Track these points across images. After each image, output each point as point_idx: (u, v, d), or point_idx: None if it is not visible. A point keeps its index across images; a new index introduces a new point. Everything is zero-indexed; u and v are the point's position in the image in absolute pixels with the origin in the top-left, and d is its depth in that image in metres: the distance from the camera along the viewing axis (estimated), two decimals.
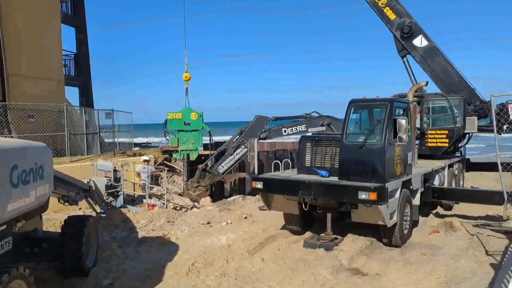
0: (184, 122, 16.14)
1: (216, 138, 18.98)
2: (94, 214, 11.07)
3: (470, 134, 13.74)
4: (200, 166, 15.32)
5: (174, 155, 16.62)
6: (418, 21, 14.17)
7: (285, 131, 14.60)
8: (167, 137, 16.84)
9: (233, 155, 14.84)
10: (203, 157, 16.89)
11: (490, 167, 13.95)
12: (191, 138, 16.08)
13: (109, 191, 11.94)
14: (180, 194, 14.88)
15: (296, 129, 14.53)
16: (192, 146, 16.20)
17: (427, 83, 12.89)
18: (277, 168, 15.96)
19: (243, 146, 14.78)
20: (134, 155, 16.65)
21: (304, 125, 14.53)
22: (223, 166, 14.77)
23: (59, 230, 7.27)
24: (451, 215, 11.25)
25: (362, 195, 7.89)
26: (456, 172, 13.08)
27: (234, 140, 15.20)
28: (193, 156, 16.31)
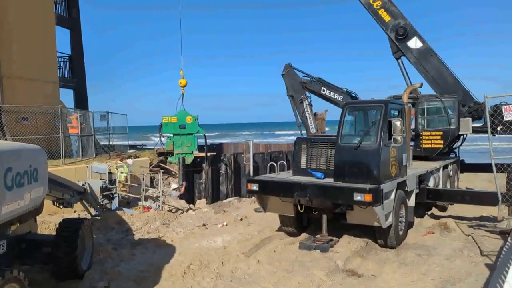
0: (180, 125, 16.13)
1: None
2: (89, 216, 11.02)
3: (465, 136, 13.83)
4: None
5: (169, 159, 16.63)
6: (414, 22, 14.30)
7: (323, 90, 14.46)
8: (163, 141, 16.83)
9: (308, 117, 14.67)
10: (198, 159, 16.88)
11: (484, 168, 14.04)
12: (186, 142, 16.09)
13: (104, 193, 11.89)
14: None
15: (334, 95, 14.43)
16: (188, 150, 16.21)
17: (421, 84, 12.96)
18: (272, 170, 15.97)
19: (303, 103, 14.59)
20: (130, 157, 16.58)
21: (342, 97, 14.40)
22: (313, 128, 14.68)
23: (54, 233, 7.23)
24: (446, 216, 11.31)
25: (357, 197, 7.91)
26: (451, 173, 13.15)
27: (297, 111, 14.91)
28: (188, 160, 16.32)
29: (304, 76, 14.93)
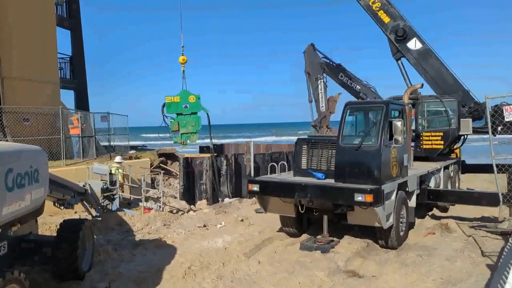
0: (183, 105, 15.91)
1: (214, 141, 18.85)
2: (89, 217, 11.03)
3: (465, 136, 13.82)
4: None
5: (174, 139, 16.27)
6: (413, 21, 14.32)
7: (342, 76, 14.80)
8: (166, 121, 16.54)
9: (320, 95, 14.96)
10: (198, 161, 16.84)
11: (485, 169, 14.02)
12: (190, 121, 15.86)
13: (105, 194, 11.90)
14: None
15: (351, 83, 14.69)
16: (192, 129, 15.97)
17: (422, 85, 12.95)
18: (273, 170, 15.98)
19: (318, 82, 15.03)
20: (130, 158, 16.60)
21: (360, 87, 14.59)
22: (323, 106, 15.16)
23: (55, 234, 7.24)
24: (447, 217, 11.29)
25: (358, 197, 7.91)
26: (451, 174, 13.13)
27: (311, 88, 15.24)
28: (193, 139, 16.05)
29: (323, 58, 15.19)
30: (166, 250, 8.84)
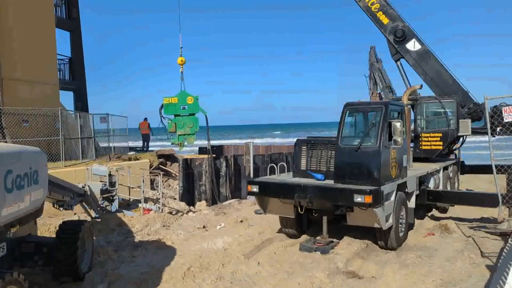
0: (181, 106, 15.90)
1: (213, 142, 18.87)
2: (89, 218, 11.02)
3: (464, 137, 13.83)
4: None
5: (172, 140, 16.27)
6: (413, 22, 14.38)
7: (373, 73, 16.00)
8: (164, 122, 16.52)
9: (369, 93, 16.26)
10: (197, 162, 16.84)
11: (484, 169, 14.03)
12: (188, 122, 15.85)
13: (104, 195, 11.88)
14: None
15: (377, 80, 15.83)
16: (190, 130, 15.95)
17: (421, 86, 12.97)
18: (272, 171, 15.99)
19: (367, 79, 16.45)
20: (130, 159, 16.57)
21: (382, 86, 15.58)
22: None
23: (54, 235, 7.23)
24: (447, 218, 11.30)
25: (358, 198, 7.91)
26: (451, 174, 13.14)
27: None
28: (190, 141, 16.07)
29: (373, 58, 16.44)
30: (166, 251, 8.84)
